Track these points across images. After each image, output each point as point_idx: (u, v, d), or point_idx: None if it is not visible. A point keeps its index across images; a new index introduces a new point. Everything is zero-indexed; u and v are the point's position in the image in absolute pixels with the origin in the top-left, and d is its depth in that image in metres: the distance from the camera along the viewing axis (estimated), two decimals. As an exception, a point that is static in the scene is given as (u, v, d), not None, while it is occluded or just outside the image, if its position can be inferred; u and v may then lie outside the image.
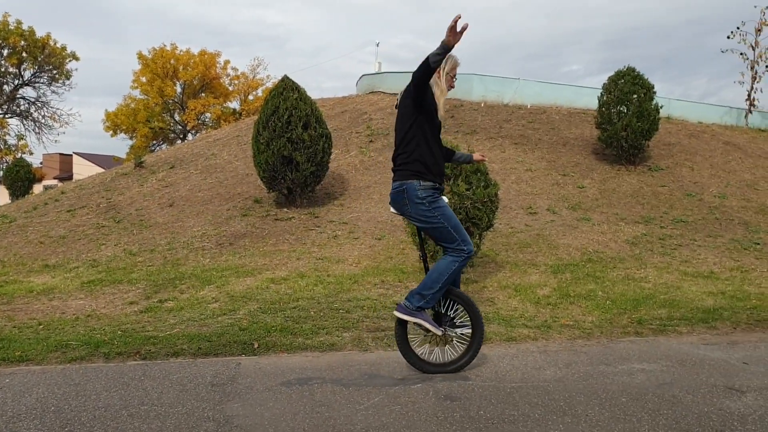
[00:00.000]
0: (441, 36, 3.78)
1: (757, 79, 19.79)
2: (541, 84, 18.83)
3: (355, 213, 11.16)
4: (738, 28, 19.86)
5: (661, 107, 13.86)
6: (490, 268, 8.29)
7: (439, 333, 4.28)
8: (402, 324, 4.28)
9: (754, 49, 19.83)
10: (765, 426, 3.36)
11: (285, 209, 11.41)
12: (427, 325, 4.21)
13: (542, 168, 13.35)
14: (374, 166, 13.66)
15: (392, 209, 4.38)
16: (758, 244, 9.93)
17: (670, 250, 9.41)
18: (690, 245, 9.73)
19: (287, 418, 3.45)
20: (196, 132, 40.34)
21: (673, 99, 18.28)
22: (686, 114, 18.09)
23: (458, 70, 4.38)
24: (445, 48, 3.82)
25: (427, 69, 3.94)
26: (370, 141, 15.23)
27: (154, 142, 41.40)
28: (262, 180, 11.56)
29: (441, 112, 4.29)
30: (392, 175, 4.37)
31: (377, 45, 55.36)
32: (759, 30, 19.64)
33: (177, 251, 9.52)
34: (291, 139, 10.92)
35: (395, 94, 19.59)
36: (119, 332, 5.54)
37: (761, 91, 22.56)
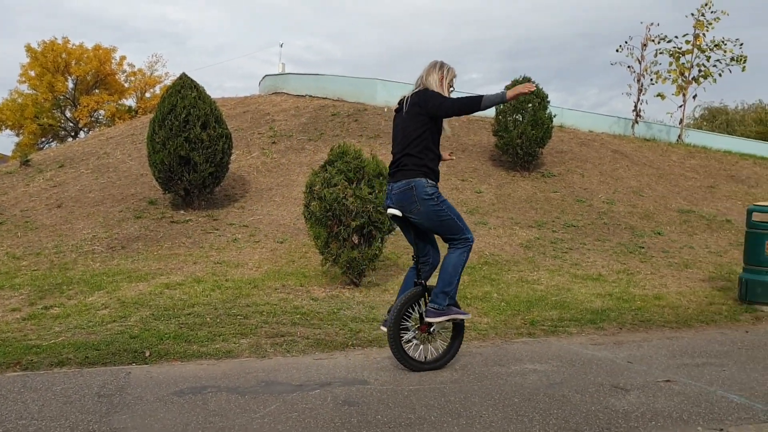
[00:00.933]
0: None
1: (643, 92, 20.92)
2: (443, 91, 19.14)
3: (257, 216, 10.97)
4: (626, 42, 20.86)
5: (554, 116, 14.41)
6: (391, 272, 8.36)
7: (469, 316, 4.63)
8: (395, 327, 4.34)
9: (640, 63, 20.95)
10: (647, 422, 3.54)
11: (182, 211, 11.07)
12: (461, 316, 4.45)
13: (442, 173, 13.53)
14: (277, 168, 13.49)
15: (392, 210, 4.42)
16: (643, 248, 10.51)
17: (561, 254, 9.80)
18: (580, 249, 10.17)
19: (178, 429, 3.33)
20: (89, 130, 38.49)
21: (566, 108, 19.06)
22: (578, 123, 18.90)
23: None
24: (502, 100, 4.14)
25: (476, 108, 4.20)
26: (273, 142, 15.03)
27: (43, 139, 39.22)
28: (157, 181, 11.16)
29: (446, 126, 4.55)
30: (394, 175, 4.45)
31: (281, 46, 55.31)
32: (645, 45, 20.75)
33: (65, 255, 9.05)
34: (189, 139, 10.61)
35: (299, 96, 19.44)
36: (-3, 342, 5.20)
37: (647, 103, 23.94)
